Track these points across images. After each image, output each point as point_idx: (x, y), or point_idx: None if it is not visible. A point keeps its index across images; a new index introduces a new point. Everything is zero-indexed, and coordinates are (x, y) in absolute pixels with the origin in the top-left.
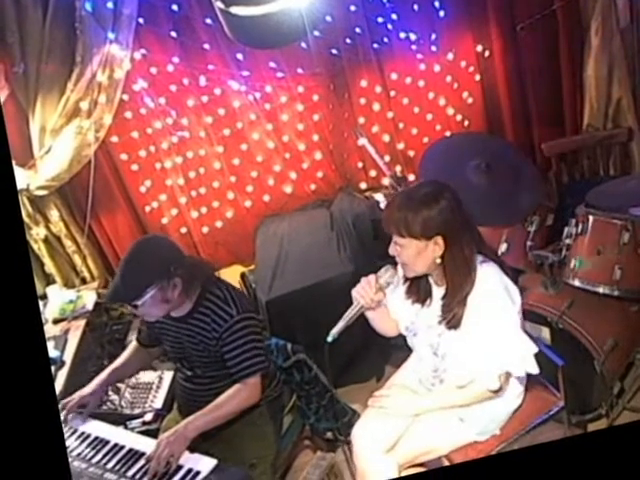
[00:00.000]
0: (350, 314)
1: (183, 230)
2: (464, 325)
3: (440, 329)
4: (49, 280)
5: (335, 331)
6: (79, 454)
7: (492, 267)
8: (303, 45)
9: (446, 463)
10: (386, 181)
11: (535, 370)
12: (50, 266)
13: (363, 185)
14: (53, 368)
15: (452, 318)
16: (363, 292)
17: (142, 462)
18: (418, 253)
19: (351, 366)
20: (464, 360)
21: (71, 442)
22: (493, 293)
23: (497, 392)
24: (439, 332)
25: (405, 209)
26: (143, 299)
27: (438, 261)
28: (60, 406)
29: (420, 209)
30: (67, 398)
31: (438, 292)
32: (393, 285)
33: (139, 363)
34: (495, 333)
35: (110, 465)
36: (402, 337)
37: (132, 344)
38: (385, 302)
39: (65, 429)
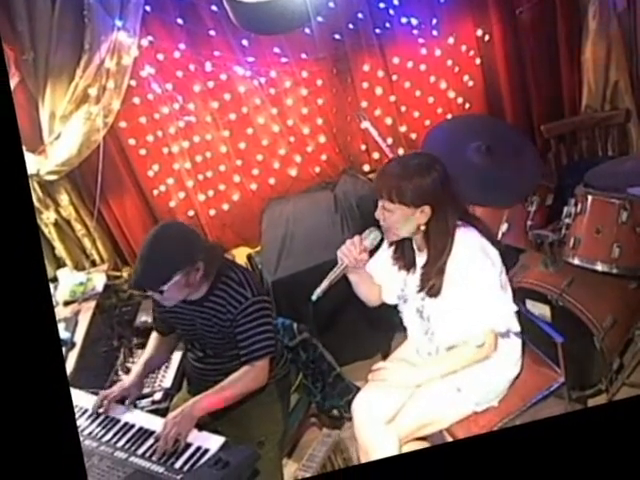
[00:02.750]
0: (334, 274)
1: (190, 213)
2: (445, 286)
3: (423, 293)
4: (59, 263)
5: (319, 290)
6: (90, 433)
7: (469, 230)
8: (307, 31)
9: (449, 438)
10: None
11: (516, 328)
12: (60, 249)
13: (366, 167)
14: (64, 349)
15: (431, 287)
16: (347, 252)
17: (152, 440)
18: (405, 219)
19: (355, 344)
20: (448, 320)
21: (82, 421)
22: (469, 254)
23: (481, 346)
24: (423, 295)
25: (398, 176)
26: (170, 284)
27: (422, 228)
28: (99, 397)
29: (413, 177)
30: (107, 390)
31: (420, 259)
32: (378, 247)
33: (167, 350)
34: (474, 291)
35: (120, 444)
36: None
37: (153, 335)
38: (369, 269)
39: (102, 418)
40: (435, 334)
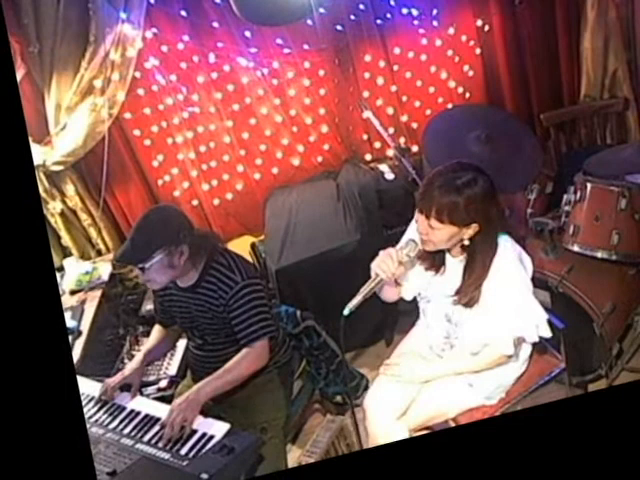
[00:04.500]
0: (368, 288)
1: (195, 202)
2: (480, 297)
3: (455, 298)
4: (66, 253)
5: (352, 305)
6: (97, 420)
7: (507, 240)
8: (309, 22)
9: (452, 424)
10: (390, 152)
11: (548, 333)
12: (66, 239)
13: (368, 156)
14: (70, 337)
15: (469, 300)
16: (385, 267)
17: (157, 427)
18: (451, 237)
19: (359, 331)
20: (478, 327)
21: (89, 409)
22: (507, 263)
23: (511, 357)
24: (453, 301)
25: (453, 195)
26: (150, 262)
27: (467, 242)
28: (103, 386)
29: (463, 193)
30: (110, 379)
31: (452, 263)
32: (411, 260)
33: (169, 341)
34: (509, 300)
35: (126, 431)
36: (410, 303)
37: (156, 326)
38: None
39: (109, 405)
40: (458, 338)
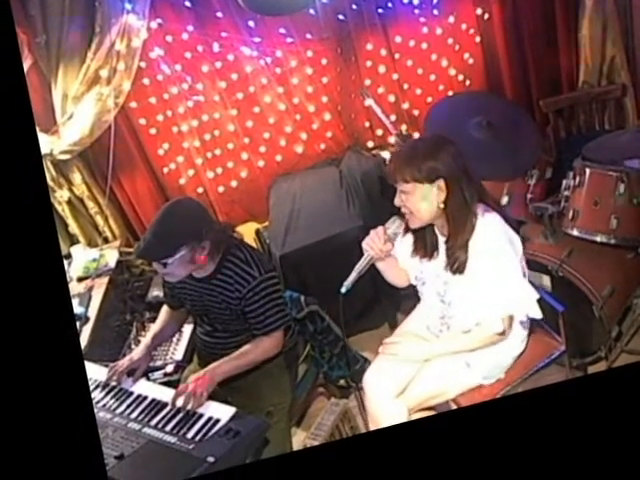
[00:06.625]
0: (361, 265)
1: (200, 190)
2: (468, 272)
3: (446, 276)
4: (73, 240)
5: (348, 282)
6: (104, 405)
7: (494, 216)
8: (311, 11)
9: (453, 406)
10: (392, 139)
11: (538, 315)
12: (74, 227)
13: (370, 144)
14: (78, 324)
15: (455, 262)
16: (372, 243)
17: (164, 412)
18: (423, 198)
19: (363, 315)
20: (469, 306)
21: (96, 394)
22: (495, 241)
23: (502, 335)
24: (445, 280)
25: (410, 156)
26: (174, 258)
27: (441, 206)
28: (109, 369)
29: (424, 154)
30: (116, 362)
31: (443, 243)
32: (400, 235)
33: (176, 323)
34: (497, 278)
35: (134, 415)
36: (412, 286)
37: (164, 308)
38: (394, 253)
39: (116, 390)
40: (453, 318)
